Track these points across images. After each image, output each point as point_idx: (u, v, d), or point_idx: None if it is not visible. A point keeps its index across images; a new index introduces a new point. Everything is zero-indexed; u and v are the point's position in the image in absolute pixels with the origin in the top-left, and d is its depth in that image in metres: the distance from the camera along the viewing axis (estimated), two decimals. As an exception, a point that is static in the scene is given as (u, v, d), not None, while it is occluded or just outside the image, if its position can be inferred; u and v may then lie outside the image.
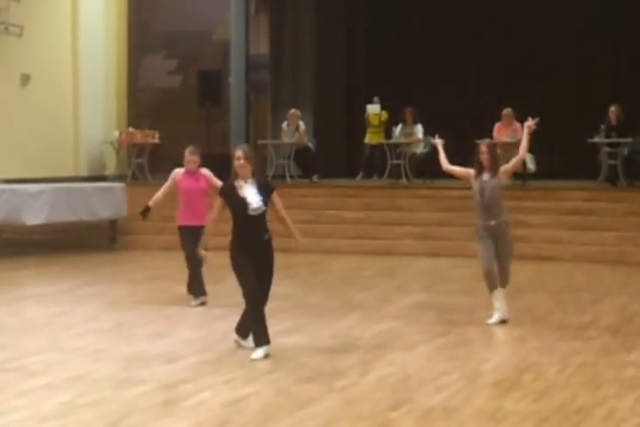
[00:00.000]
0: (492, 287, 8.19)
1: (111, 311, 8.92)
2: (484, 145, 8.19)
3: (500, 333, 7.88)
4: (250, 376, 6.29)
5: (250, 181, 6.91)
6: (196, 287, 9.20)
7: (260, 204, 6.84)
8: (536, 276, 11.53)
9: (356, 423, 5.25)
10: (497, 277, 8.22)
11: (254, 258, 6.89)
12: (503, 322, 8.17)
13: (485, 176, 8.11)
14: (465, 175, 8.34)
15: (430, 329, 7.97)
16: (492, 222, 8.13)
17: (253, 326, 6.97)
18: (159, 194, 9.34)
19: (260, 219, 6.88)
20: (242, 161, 6.87)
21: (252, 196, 6.87)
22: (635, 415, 5.40)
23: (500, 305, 8.18)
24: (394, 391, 5.92)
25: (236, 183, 6.93)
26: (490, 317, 8.20)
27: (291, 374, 6.34)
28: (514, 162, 8.39)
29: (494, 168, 8.11)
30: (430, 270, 11.97)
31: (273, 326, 7.87)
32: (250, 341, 7.08)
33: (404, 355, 7.01)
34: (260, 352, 6.85)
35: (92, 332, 7.88)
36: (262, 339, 6.91)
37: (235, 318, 8.35)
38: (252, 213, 6.84)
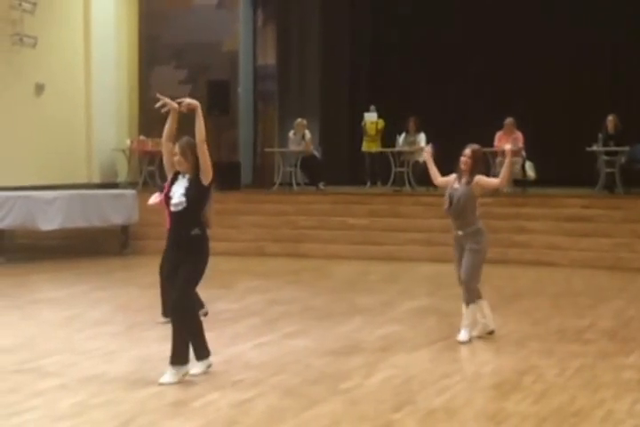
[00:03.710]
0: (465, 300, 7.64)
1: (123, 314, 8.97)
2: (468, 149, 7.55)
3: (500, 336, 7.85)
4: (257, 378, 6.33)
5: (187, 176, 6.33)
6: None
7: (183, 198, 6.27)
8: (535, 280, 11.63)
9: (360, 424, 5.31)
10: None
11: (176, 257, 6.38)
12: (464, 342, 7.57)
13: (460, 182, 7.54)
14: (446, 184, 7.70)
15: (432, 333, 8.01)
16: (460, 232, 7.54)
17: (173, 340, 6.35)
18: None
19: (183, 215, 6.30)
20: (177, 157, 6.29)
21: (178, 190, 6.32)
22: (631, 417, 5.44)
23: (467, 323, 7.64)
24: (397, 393, 5.96)
25: (180, 176, 6.41)
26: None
27: (296, 377, 6.39)
28: (493, 182, 7.62)
29: (471, 175, 7.50)
30: (433, 276, 11.98)
31: (279, 329, 8.07)
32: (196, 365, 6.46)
33: (406, 358, 7.05)
34: (167, 377, 6.23)
35: (105, 334, 7.93)
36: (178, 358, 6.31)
37: (245, 322, 8.47)
38: (172, 208, 6.33)
